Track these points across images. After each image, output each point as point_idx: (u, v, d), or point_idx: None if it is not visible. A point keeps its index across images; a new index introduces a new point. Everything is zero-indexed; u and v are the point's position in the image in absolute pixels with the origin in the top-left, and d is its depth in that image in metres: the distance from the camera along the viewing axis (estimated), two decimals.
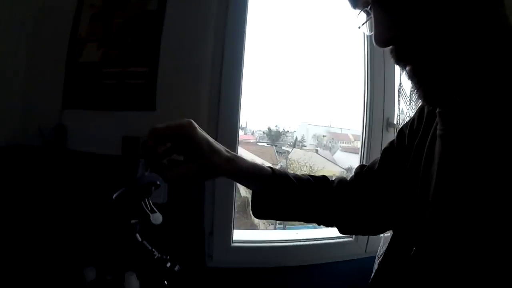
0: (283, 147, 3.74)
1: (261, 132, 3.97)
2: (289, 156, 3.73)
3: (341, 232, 0.68)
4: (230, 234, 1.32)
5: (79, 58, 1.34)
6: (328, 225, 0.70)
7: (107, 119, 1.27)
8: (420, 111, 0.56)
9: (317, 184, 0.63)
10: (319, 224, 0.68)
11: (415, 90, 0.38)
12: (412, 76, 0.38)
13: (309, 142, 4.17)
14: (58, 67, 1.35)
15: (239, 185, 1.19)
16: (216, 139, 0.56)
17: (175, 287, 1.13)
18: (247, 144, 3.79)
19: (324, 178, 0.66)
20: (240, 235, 1.39)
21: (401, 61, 0.38)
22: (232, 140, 1.26)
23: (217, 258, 1.33)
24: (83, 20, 1.39)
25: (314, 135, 4.22)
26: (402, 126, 0.62)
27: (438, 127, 0.44)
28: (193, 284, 1.30)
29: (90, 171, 1.30)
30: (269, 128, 3.78)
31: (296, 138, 4.11)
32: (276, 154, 3.60)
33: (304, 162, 3.52)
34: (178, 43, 1.27)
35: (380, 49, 0.55)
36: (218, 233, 1.30)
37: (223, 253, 1.33)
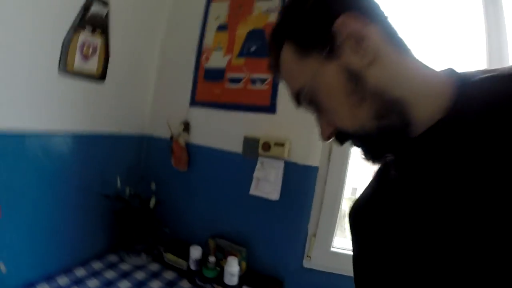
0: None
1: None
2: None
3: None
4: (331, 238, 1.35)
5: (206, 63, 1.53)
6: None
7: (230, 119, 1.42)
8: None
9: None
10: None
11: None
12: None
13: None
14: (187, 71, 1.57)
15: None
16: None
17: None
18: None
19: None
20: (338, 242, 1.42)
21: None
22: None
23: (315, 260, 1.37)
24: (209, 30, 1.58)
25: None
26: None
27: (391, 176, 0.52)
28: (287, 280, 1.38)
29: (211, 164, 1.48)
30: None
31: None
32: None
33: None
34: None
35: None
36: (320, 237, 1.35)
37: (321, 256, 1.37)
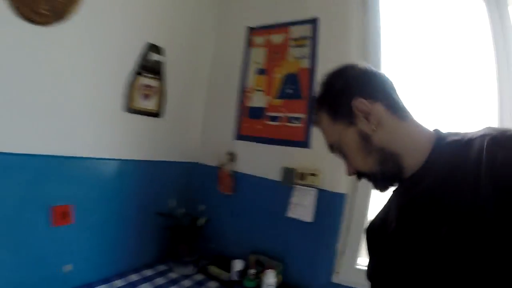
0: None
1: None
2: None
3: None
4: (357, 257, 1.55)
5: (249, 102, 1.80)
6: None
7: (270, 151, 1.67)
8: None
9: None
10: None
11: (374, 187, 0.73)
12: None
13: None
14: (231, 109, 1.85)
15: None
16: None
17: None
18: None
19: None
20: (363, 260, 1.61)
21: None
22: None
23: (343, 276, 1.57)
24: (249, 73, 1.86)
25: None
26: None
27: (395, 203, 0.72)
28: None
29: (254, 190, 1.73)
30: None
31: None
32: None
33: None
34: None
35: None
36: (347, 255, 1.55)
37: (348, 272, 1.56)
